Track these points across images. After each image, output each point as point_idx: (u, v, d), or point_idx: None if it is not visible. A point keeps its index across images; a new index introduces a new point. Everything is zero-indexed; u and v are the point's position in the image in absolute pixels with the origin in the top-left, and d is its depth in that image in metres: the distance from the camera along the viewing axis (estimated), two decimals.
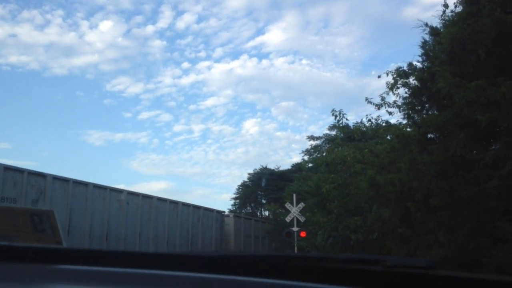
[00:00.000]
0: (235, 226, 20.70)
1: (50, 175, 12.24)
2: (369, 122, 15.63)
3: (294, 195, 18.46)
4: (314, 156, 24.46)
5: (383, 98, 12.27)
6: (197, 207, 18.37)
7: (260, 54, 59.30)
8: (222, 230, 19.83)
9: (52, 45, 47.18)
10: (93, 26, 50.73)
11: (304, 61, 56.73)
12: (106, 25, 48.88)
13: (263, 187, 30.03)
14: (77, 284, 0.87)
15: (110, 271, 0.91)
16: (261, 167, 35.23)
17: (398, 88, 11.09)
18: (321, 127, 68.07)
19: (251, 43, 61.35)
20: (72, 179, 12.67)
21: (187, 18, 54.28)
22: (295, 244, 17.20)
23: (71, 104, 51.74)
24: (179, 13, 59.72)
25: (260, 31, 67.39)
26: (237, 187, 36.18)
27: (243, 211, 33.86)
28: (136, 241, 14.69)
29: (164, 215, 16.17)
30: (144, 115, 54.48)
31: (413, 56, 15.16)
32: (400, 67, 10.97)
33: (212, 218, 19.25)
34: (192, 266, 0.90)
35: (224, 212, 20.66)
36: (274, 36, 56.70)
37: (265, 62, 57.20)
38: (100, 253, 1.13)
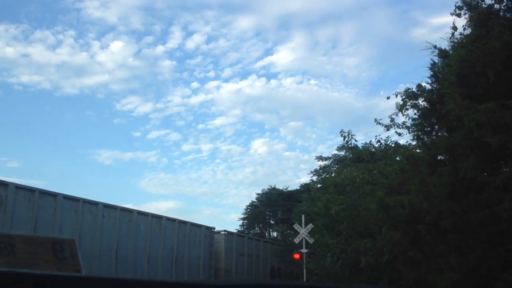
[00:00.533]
0: (226, 244, 19.45)
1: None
2: (378, 143, 15.61)
3: (303, 216, 18.35)
4: (322, 176, 24.34)
5: (392, 119, 12.25)
6: (183, 222, 17.17)
7: (269, 74, 59.69)
8: (212, 248, 18.51)
9: (64, 65, 47.91)
10: (104, 47, 51.55)
11: (312, 81, 57.03)
12: (116, 46, 49.61)
13: (279, 218, 29.78)
14: None
15: None
16: (269, 187, 35.13)
17: (407, 109, 11.07)
18: (330, 147, 67.95)
19: (260, 63, 61.87)
20: (38, 189, 11.87)
21: (197, 39, 54.94)
22: (304, 266, 17.02)
23: (82, 123, 52.25)
24: (188, 34, 60.56)
25: (269, 52, 67.95)
26: (245, 207, 36.04)
27: (251, 231, 33.66)
28: (112, 259, 13.58)
29: (146, 231, 15.12)
30: (153, 134, 54.80)
31: (422, 78, 15.21)
32: (409, 88, 10.97)
33: (200, 234, 17.95)
34: None
35: (214, 228, 19.15)
36: (283, 56, 57.12)
37: (273, 82, 57.56)
38: (116, 282, 1.14)
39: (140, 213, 15.09)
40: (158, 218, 15.78)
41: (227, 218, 64.36)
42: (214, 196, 56.51)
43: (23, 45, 46.00)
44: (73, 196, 12.71)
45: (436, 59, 10.75)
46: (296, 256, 17.60)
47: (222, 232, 19.73)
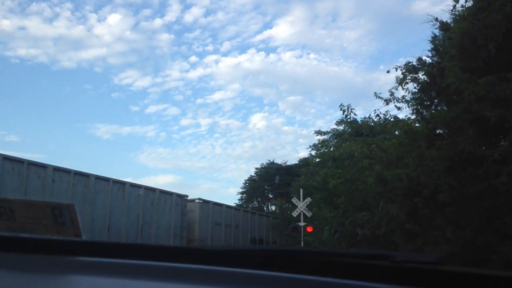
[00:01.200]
0: (200, 213, 18.01)
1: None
2: (377, 117, 15.61)
3: (301, 190, 18.48)
4: (321, 151, 24.43)
5: (392, 93, 12.23)
6: (151, 189, 15.85)
7: (268, 48, 59.33)
8: (184, 217, 17.14)
9: (61, 38, 47.39)
10: (101, 19, 50.88)
11: (312, 55, 56.64)
12: (114, 18, 49.00)
13: (276, 184, 29.73)
14: (96, 275, 0.89)
15: (126, 263, 0.94)
16: (268, 161, 35.29)
17: (407, 83, 11.03)
18: (329, 121, 67.98)
19: (259, 37, 61.36)
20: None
21: (195, 12, 54.32)
22: (302, 239, 17.23)
23: (79, 97, 52.03)
24: (187, 7, 59.84)
25: (268, 25, 67.37)
26: (244, 182, 36.27)
27: (250, 205, 33.94)
28: None
29: (105, 197, 13.90)
30: (151, 108, 54.67)
31: (423, 51, 15.12)
32: (409, 62, 10.91)
33: (171, 202, 16.61)
34: (205, 259, 0.92)
35: (186, 196, 17.63)
36: (282, 30, 56.62)
37: (272, 56, 57.14)
38: (117, 246, 1.16)
39: (98, 178, 13.86)
40: (121, 184, 14.63)
41: (226, 193, 64.84)
42: (213, 171, 56.84)
43: (20, 18, 45.44)
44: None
45: (437, 32, 10.68)
46: (295, 229, 17.81)
47: (197, 201, 18.32)
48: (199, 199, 18.49)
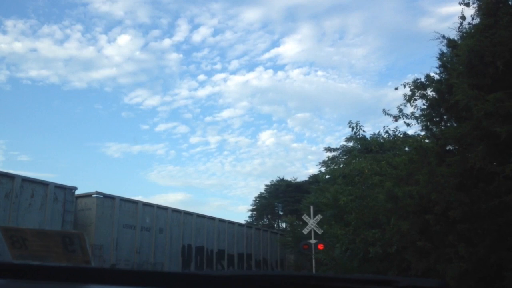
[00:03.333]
0: (99, 212, 14.00)
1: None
2: (387, 134, 15.54)
3: (311, 207, 18.40)
4: (331, 167, 24.37)
5: (400, 110, 12.22)
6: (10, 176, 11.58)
7: (276, 66, 59.60)
8: (68, 217, 12.82)
9: (72, 59, 48.09)
10: (111, 40, 51.68)
11: (319, 73, 56.83)
12: (124, 39, 49.71)
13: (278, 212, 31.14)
14: None
15: None
16: (278, 178, 35.19)
17: (415, 99, 11.04)
18: (338, 138, 67.72)
19: (267, 55, 61.71)
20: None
21: (203, 31, 54.96)
22: (313, 257, 17.10)
23: (90, 117, 52.59)
24: (195, 27, 60.58)
25: (276, 43, 67.72)
26: (254, 199, 36.16)
27: (260, 222, 33.79)
28: None
29: None
30: (161, 127, 54.95)
31: (431, 68, 15.12)
32: (418, 79, 10.94)
33: (44, 195, 12.35)
34: (216, 285, 0.95)
35: (75, 188, 13.43)
36: (290, 48, 56.96)
37: (280, 73, 57.44)
38: (128, 273, 1.19)
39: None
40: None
41: (236, 210, 64.64)
42: (222, 188, 56.80)
43: (31, 40, 46.30)
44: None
45: (444, 49, 10.71)
46: (305, 246, 17.67)
47: (94, 196, 14.08)
48: (97, 192, 14.19)
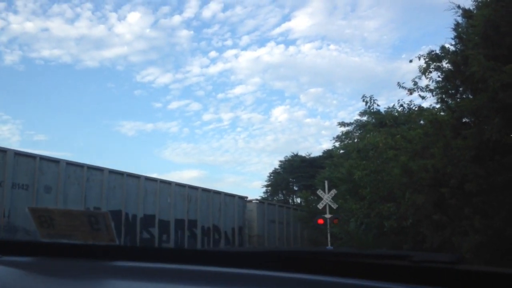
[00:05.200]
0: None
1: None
2: (401, 107, 15.41)
3: (326, 182, 18.42)
4: (345, 142, 24.30)
5: (415, 83, 12.08)
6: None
7: (287, 41, 58.66)
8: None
9: (83, 38, 47.99)
10: (121, 18, 51.32)
11: (332, 46, 55.91)
12: (134, 17, 49.30)
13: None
14: (130, 279, 0.96)
15: (160, 268, 1.00)
16: (292, 154, 35.23)
17: (430, 72, 10.89)
18: (351, 112, 67.06)
19: (278, 30, 60.85)
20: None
21: (213, 7, 54.22)
22: (328, 231, 17.22)
23: (103, 95, 52.66)
24: (205, 2, 59.91)
25: (286, 18, 66.68)
26: (268, 175, 36.30)
27: (275, 198, 34.00)
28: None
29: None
30: (173, 104, 54.93)
31: (446, 39, 14.85)
32: (433, 51, 10.78)
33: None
34: (238, 262, 0.99)
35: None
36: (301, 22, 56.05)
37: (292, 48, 56.64)
38: (152, 250, 1.24)
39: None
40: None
41: (250, 186, 64.85)
42: (236, 164, 56.87)
43: (42, 20, 46.23)
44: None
45: (460, 19, 10.50)
46: (320, 221, 17.78)
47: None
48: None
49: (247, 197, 19.18)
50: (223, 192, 18.00)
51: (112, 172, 13.65)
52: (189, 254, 1.14)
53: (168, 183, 15.43)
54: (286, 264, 0.94)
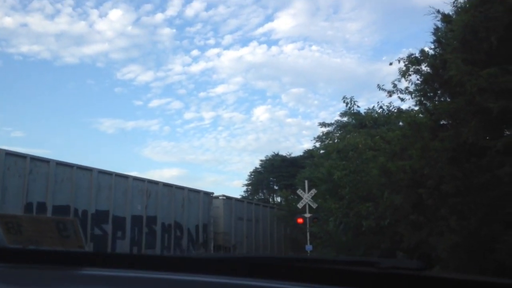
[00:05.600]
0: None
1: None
2: (381, 109, 15.59)
3: (306, 182, 18.57)
4: (325, 142, 24.48)
5: (394, 85, 12.24)
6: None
7: (270, 41, 59.06)
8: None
9: (63, 34, 47.32)
10: (102, 15, 50.86)
11: (314, 47, 56.34)
12: (115, 14, 48.86)
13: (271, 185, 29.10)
14: (98, 286, 0.96)
15: (127, 275, 1.00)
16: (273, 153, 35.34)
17: (410, 75, 11.05)
18: (332, 113, 67.69)
19: (260, 30, 61.11)
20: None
21: (196, 6, 54.16)
22: (307, 230, 17.36)
23: (83, 92, 52.08)
24: (188, 1, 59.75)
25: (269, 18, 66.87)
26: (249, 174, 36.35)
27: (255, 197, 34.06)
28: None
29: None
30: (154, 102, 54.62)
31: (425, 43, 15.05)
32: (412, 54, 10.93)
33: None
34: (202, 268, 1.00)
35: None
36: (283, 22, 56.33)
37: (274, 48, 56.93)
38: (121, 257, 1.23)
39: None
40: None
41: (231, 185, 64.92)
42: (217, 163, 56.89)
43: (21, 15, 45.50)
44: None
45: (439, 24, 10.67)
46: (300, 220, 17.91)
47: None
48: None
49: (213, 193, 18.42)
50: (187, 188, 17.01)
51: (60, 164, 12.59)
52: (161, 261, 1.14)
53: (125, 177, 14.45)
54: (253, 270, 0.95)
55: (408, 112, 12.19)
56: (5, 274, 1.03)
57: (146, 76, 55.91)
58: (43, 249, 1.19)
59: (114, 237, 13.78)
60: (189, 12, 54.23)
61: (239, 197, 25.48)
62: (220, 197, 18.90)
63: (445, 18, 10.19)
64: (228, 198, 19.43)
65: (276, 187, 34.18)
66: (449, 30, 9.74)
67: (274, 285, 0.86)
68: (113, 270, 1.01)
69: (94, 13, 50.40)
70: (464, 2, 9.53)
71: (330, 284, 0.85)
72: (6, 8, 44.63)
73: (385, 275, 0.92)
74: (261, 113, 55.54)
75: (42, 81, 49.91)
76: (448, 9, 10.35)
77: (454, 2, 9.91)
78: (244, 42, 63.07)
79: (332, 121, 26.04)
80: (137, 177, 15.08)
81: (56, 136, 52.41)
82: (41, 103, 49.69)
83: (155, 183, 15.69)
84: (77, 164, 13.05)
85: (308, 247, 17.09)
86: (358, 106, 16.30)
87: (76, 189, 12.76)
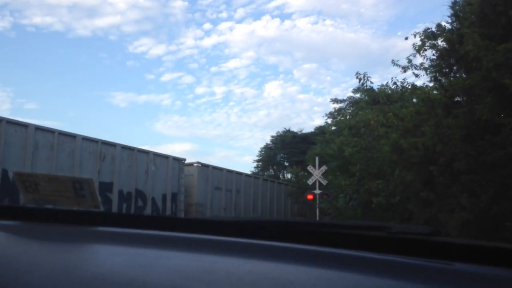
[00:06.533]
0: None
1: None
2: (395, 85, 15.42)
3: (317, 158, 18.53)
4: (337, 119, 24.35)
5: (409, 60, 12.08)
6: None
7: (283, 15, 58.29)
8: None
9: (75, 6, 47.15)
10: None
11: (327, 22, 55.48)
12: None
13: (277, 161, 28.23)
14: (113, 244, 0.96)
15: (142, 233, 1.00)
16: (284, 129, 35.28)
17: (425, 50, 10.88)
18: (344, 89, 66.99)
19: (274, 3, 60.30)
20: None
21: None
22: (317, 206, 17.40)
23: (95, 65, 52.08)
24: None
25: None
26: (259, 150, 36.40)
27: (265, 173, 34.18)
28: None
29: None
30: (166, 77, 54.54)
31: (442, 17, 14.75)
32: (428, 28, 10.74)
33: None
34: (213, 230, 0.98)
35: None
36: None
37: (287, 23, 56.21)
38: (135, 217, 1.24)
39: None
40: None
41: (242, 160, 65.13)
42: (228, 139, 56.94)
43: None
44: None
45: None
46: (310, 197, 17.94)
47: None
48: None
49: (185, 159, 16.33)
50: (152, 152, 14.87)
51: None
52: (180, 222, 1.14)
53: (72, 136, 12.40)
54: (263, 233, 0.94)
55: (422, 88, 12.03)
56: (24, 231, 1.06)
57: (158, 50, 55.85)
58: (60, 208, 1.20)
59: None
60: None
61: (249, 172, 25.52)
62: (194, 164, 16.81)
63: None
64: (204, 166, 17.19)
65: (286, 164, 34.22)
66: (467, 4, 9.52)
67: (283, 245, 0.85)
68: (131, 229, 1.01)
69: None
70: None
71: (341, 247, 0.83)
72: None
73: (396, 239, 0.90)
74: (272, 88, 55.26)
75: (55, 53, 50.05)
76: None
77: None
78: (257, 15, 62.45)
79: (345, 98, 25.85)
80: (87, 137, 12.93)
81: (70, 109, 52.81)
82: (55, 75, 49.92)
83: (112, 144, 13.55)
84: (6, 118, 10.88)
85: None
86: (371, 82, 16.13)
87: (4, 147, 10.66)
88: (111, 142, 13.55)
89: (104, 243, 0.95)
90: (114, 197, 13.24)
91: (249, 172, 25.50)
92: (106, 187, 13.04)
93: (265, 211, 21.30)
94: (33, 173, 1.28)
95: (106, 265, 0.79)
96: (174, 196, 15.34)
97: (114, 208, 12.94)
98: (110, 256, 0.85)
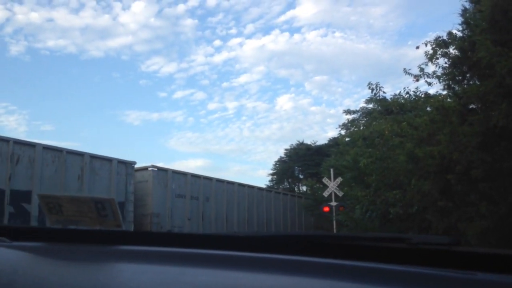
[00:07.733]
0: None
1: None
2: (407, 94, 15.35)
3: (332, 170, 18.44)
4: (351, 130, 24.26)
5: (421, 69, 12.02)
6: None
7: (292, 29, 58.42)
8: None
9: (88, 28, 47.92)
10: (125, 8, 51.35)
11: (337, 34, 55.61)
12: (138, 6, 49.18)
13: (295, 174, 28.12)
14: (138, 262, 0.97)
15: (166, 251, 1.02)
16: (297, 142, 35.22)
17: (437, 58, 10.83)
18: (356, 100, 66.70)
19: (282, 18, 60.46)
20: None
21: None
22: (333, 219, 17.28)
23: (109, 85, 52.75)
24: None
25: (291, 5, 66.33)
26: (274, 163, 36.34)
27: (280, 186, 34.07)
28: None
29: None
30: (178, 94, 54.94)
31: (453, 25, 14.67)
32: (440, 37, 10.70)
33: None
34: (234, 245, 1.00)
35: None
36: (306, 9, 55.71)
37: (297, 36, 56.41)
38: (158, 235, 1.26)
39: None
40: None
41: (256, 174, 65.03)
42: (242, 153, 56.97)
43: (47, 10, 46.29)
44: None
45: (467, 4, 10.40)
46: (326, 209, 17.83)
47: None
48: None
49: (135, 163, 14.27)
50: (88, 153, 12.80)
51: None
52: (202, 238, 1.16)
53: None
54: (285, 247, 0.95)
55: (436, 96, 11.96)
56: (49, 251, 1.08)
57: (170, 68, 56.19)
58: (83, 228, 1.24)
59: None
60: (211, 2, 54.17)
61: (264, 186, 25.45)
62: (149, 168, 14.81)
63: None
64: (162, 170, 15.16)
65: (301, 176, 34.08)
66: (478, 11, 9.48)
67: (303, 259, 0.86)
68: (152, 247, 1.03)
69: (118, 6, 50.94)
70: None
71: (362, 260, 0.84)
72: (32, 3, 45.53)
73: (418, 250, 0.90)
74: (284, 102, 55.33)
75: (69, 75, 50.79)
76: None
77: None
78: (266, 30, 62.87)
79: (357, 108, 25.78)
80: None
81: (84, 129, 53.39)
82: (69, 97, 50.63)
83: (30, 145, 11.41)
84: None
85: None
86: (384, 92, 16.08)
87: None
88: (28, 141, 11.46)
89: (129, 262, 0.96)
90: (33, 208, 11.01)
91: (263, 186, 25.44)
92: (20, 196, 10.91)
93: (279, 224, 21.17)
94: (56, 195, 1.31)
95: (133, 283, 0.80)
96: (121, 206, 12.99)
97: (32, 221, 10.93)
98: (135, 274, 0.87)
